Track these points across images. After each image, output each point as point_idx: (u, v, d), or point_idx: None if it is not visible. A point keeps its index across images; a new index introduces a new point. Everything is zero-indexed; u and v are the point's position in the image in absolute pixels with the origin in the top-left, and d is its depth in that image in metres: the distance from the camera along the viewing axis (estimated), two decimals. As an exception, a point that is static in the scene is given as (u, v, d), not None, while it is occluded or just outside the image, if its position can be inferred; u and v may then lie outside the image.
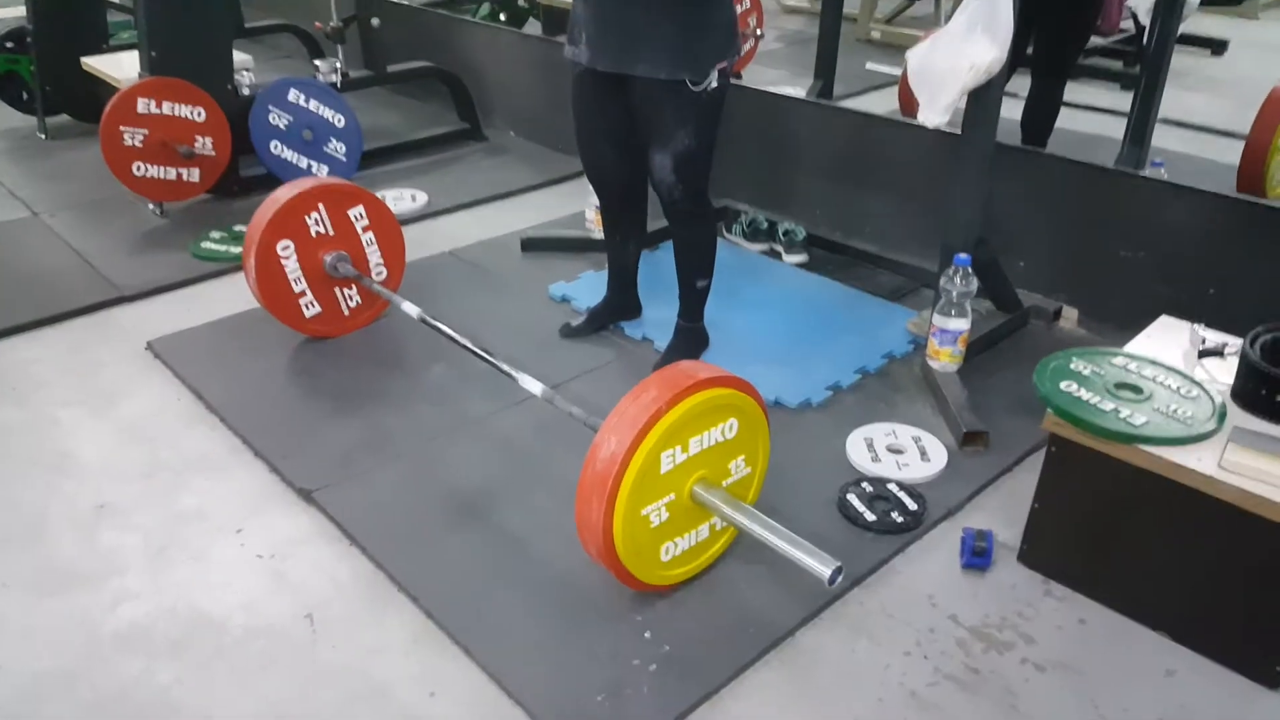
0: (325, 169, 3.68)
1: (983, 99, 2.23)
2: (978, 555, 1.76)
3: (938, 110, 2.18)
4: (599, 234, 3.07)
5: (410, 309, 2.29)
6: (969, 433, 2.09)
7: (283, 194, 2.46)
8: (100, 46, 4.19)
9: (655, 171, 2.18)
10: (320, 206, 2.49)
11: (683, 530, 1.66)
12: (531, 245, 3.13)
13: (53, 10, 4.10)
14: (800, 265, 3.02)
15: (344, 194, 2.53)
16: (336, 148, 3.69)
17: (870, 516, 1.87)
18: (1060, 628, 1.65)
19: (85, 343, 2.65)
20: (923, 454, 2.07)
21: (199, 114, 3.40)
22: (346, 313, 2.63)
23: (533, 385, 1.94)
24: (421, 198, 3.57)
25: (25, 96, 4.34)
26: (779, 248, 3.08)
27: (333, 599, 1.74)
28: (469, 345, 2.11)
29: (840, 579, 1.45)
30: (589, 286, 2.85)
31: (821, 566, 1.44)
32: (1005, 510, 1.94)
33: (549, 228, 3.30)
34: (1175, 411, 1.58)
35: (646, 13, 2.02)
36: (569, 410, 1.85)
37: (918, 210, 2.96)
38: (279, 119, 3.55)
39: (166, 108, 3.33)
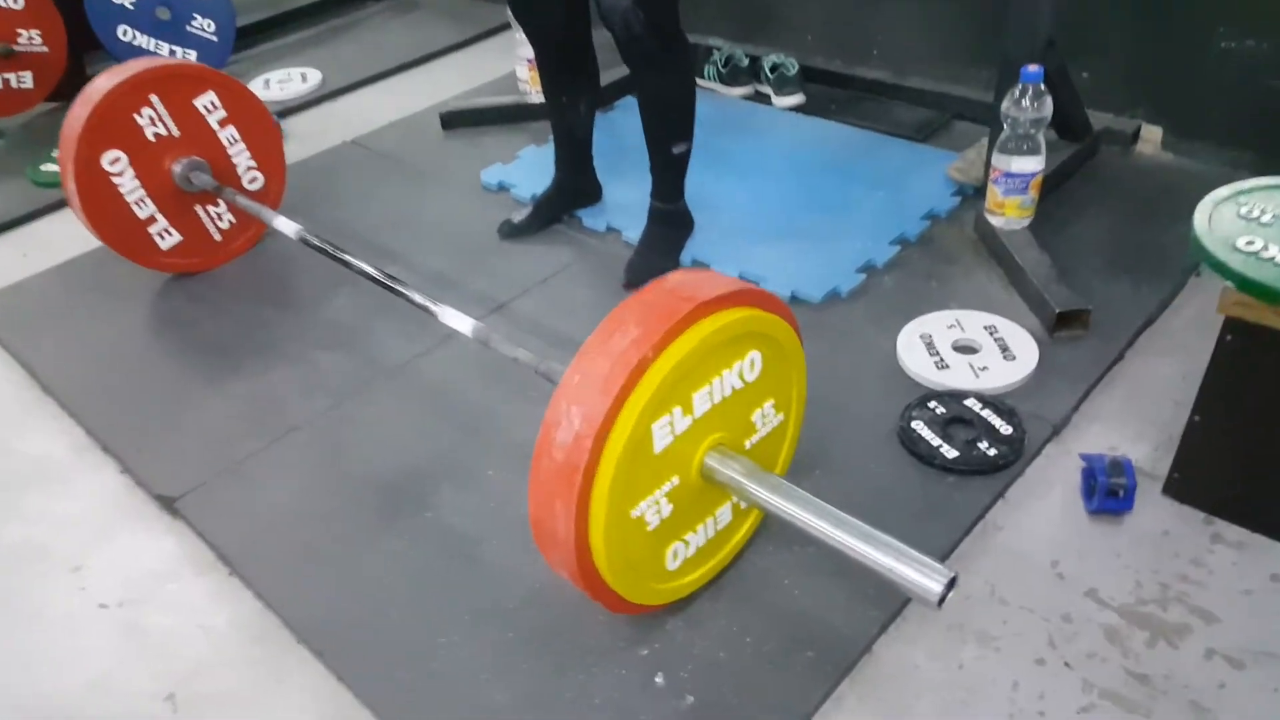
0: (193, 54, 2.94)
1: None
2: (1114, 497, 1.24)
3: None
4: (537, 97, 2.42)
5: (286, 226, 1.67)
6: (1064, 313, 1.54)
7: (99, 87, 1.80)
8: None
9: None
10: (153, 99, 1.83)
11: (694, 521, 1.12)
12: (454, 120, 2.47)
13: None
14: (795, 108, 2.38)
15: (183, 78, 1.87)
16: (203, 25, 2.95)
17: (950, 451, 1.34)
18: (1248, 592, 1.15)
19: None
20: (1003, 349, 1.52)
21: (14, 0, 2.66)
22: (218, 237, 2.01)
23: (459, 320, 1.36)
24: (314, 76, 2.86)
25: None
26: (766, 89, 2.43)
27: (204, 664, 1.22)
28: (368, 269, 1.51)
29: (953, 592, 0.92)
30: (531, 167, 2.22)
31: (927, 580, 0.91)
32: (1128, 417, 1.42)
33: (474, 96, 2.62)
34: None
35: None
36: (513, 355, 1.28)
37: (942, 16, 2.30)
38: (123, -5, 2.81)
39: (-34, -3, 2.59)
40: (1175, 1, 1.97)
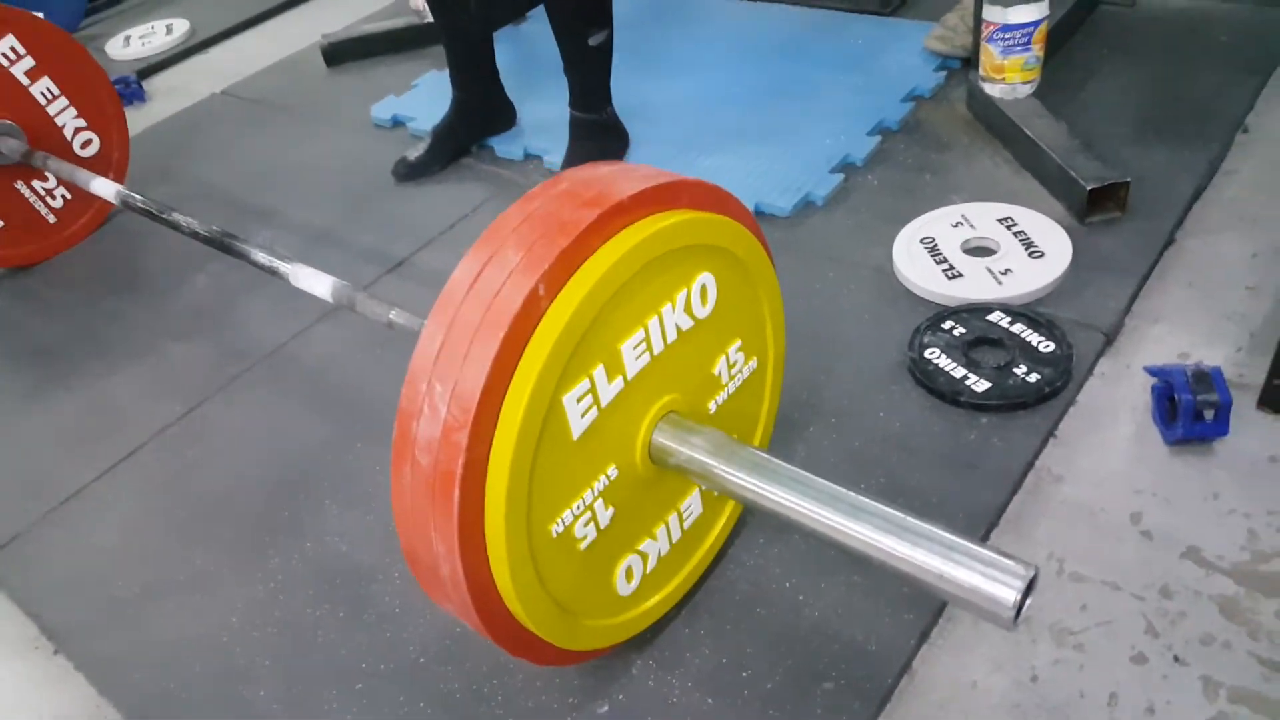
0: (40, 14, 2.51)
1: None
2: (1202, 420, 0.93)
3: None
4: (426, 7, 2.04)
5: (104, 188, 1.31)
6: (1098, 190, 1.22)
7: None
8: None
9: None
10: (-75, 49, 1.45)
11: (650, 524, 0.80)
12: (338, 54, 2.09)
13: None
14: (740, -4, 2.02)
15: (-36, 19, 1.48)
16: (44, -20, 2.51)
17: (979, 383, 1.03)
18: (1405, 529, 0.86)
19: None
20: (1027, 246, 1.20)
21: None
22: (51, 219, 1.64)
23: (315, 281, 1.02)
24: (181, 27, 2.45)
25: None
26: (703, -21, 2.06)
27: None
28: (197, 228, 1.16)
29: (1030, 599, 0.61)
30: (431, 95, 1.85)
31: (996, 587, 0.60)
32: (1195, 313, 1.11)
33: (363, 25, 2.23)
34: None
35: None
36: (386, 319, 0.94)
37: None
38: (-62, -49, 2.37)
39: None
40: None
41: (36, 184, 1.60)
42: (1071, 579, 0.87)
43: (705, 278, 0.75)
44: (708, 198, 0.74)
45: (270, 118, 1.97)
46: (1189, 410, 0.93)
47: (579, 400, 0.67)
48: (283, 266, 1.05)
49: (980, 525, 0.92)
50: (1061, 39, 1.63)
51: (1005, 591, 0.60)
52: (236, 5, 2.53)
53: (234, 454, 1.17)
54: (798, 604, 0.87)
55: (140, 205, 1.23)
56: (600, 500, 0.72)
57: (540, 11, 2.06)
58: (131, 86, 2.16)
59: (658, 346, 0.72)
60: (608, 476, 0.72)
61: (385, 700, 0.87)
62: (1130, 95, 1.50)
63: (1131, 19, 1.71)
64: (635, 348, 0.70)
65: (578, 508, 0.71)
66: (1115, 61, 1.59)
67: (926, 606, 0.85)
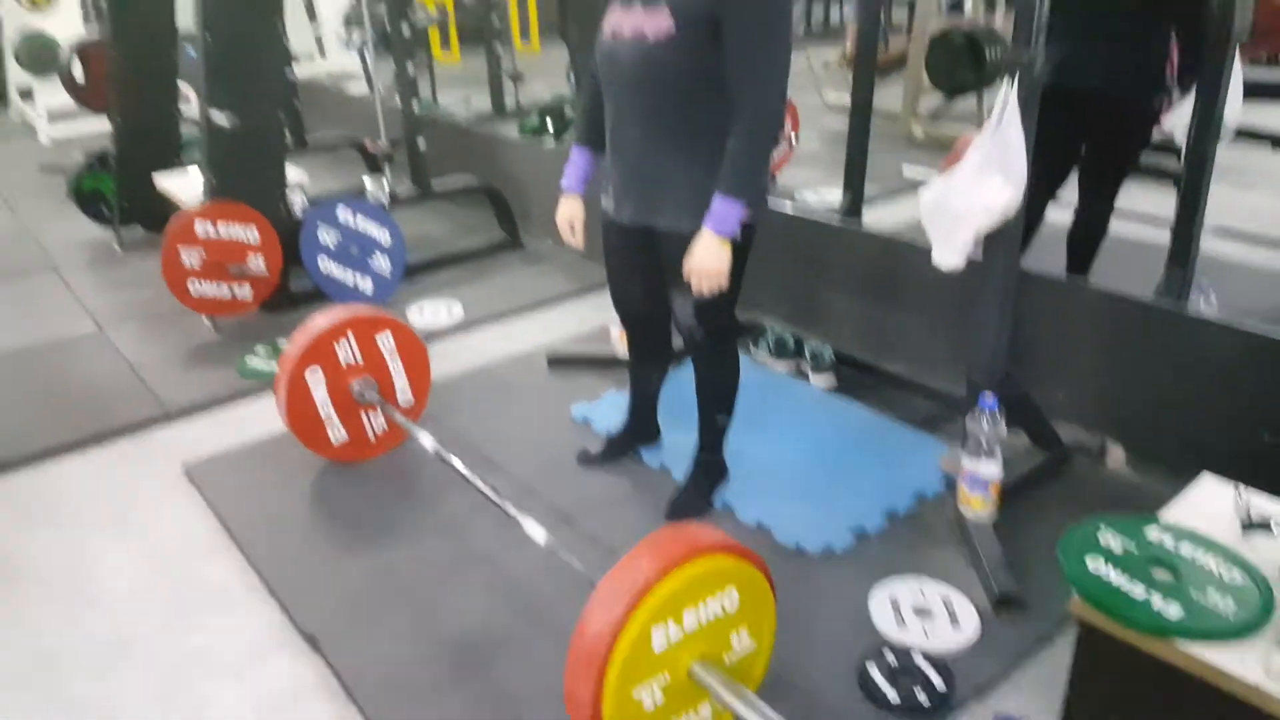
0: (370, 282, 3.76)
1: (1000, 238, 2.16)
2: (1007, 746, 1.61)
3: (952, 251, 2.12)
4: (623, 352, 3.07)
5: (427, 442, 2.28)
6: (1002, 598, 1.95)
7: (316, 324, 2.49)
8: (173, 160, 4.45)
9: (677, 313, 2.17)
10: (349, 334, 2.52)
11: (680, 711, 1.56)
12: (557, 362, 3.13)
13: (133, 131, 4.39)
14: (828, 388, 2.93)
15: (373, 322, 2.56)
16: (381, 264, 3.77)
17: (894, 697, 1.74)
18: (1099, 839, 1.49)
19: (125, 464, 2.71)
20: (952, 618, 1.93)
21: (252, 234, 3.53)
22: (372, 439, 2.64)
23: (537, 532, 1.90)
24: (457, 311, 3.62)
25: (106, 212, 4.61)
26: (806, 368, 3.01)
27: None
28: (477, 482, 2.08)
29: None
30: (611, 407, 2.81)
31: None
32: (1043, 690, 1.79)
33: (576, 343, 3.30)
34: (1215, 600, 1.45)
35: (670, 162, 2.00)
36: (571, 562, 1.79)
37: (950, 333, 2.87)
38: (328, 236, 3.65)
39: (222, 229, 3.47)
40: (1131, 356, 2.47)
41: (371, 415, 2.62)
42: (903, 813, 1.54)
43: (733, 590, 1.55)
44: (742, 553, 1.56)
45: (507, 395, 2.98)
46: (998, 738, 1.62)
47: (661, 633, 1.47)
48: (520, 518, 1.93)
49: (864, 771, 1.61)
50: (1035, 482, 2.41)
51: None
52: (496, 301, 3.69)
53: (457, 614, 2.01)
54: (748, 782, 1.58)
55: (444, 456, 2.18)
56: (658, 688, 1.50)
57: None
58: (423, 350, 3.27)
59: (703, 619, 1.52)
60: (664, 678, 1.50)
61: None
62: (1058, 535, 2.23)
63: (1093, 477, 2.47)
64: (691, 615, 1.50)
65: (646, 687, 1.48)
66: (1063, 508, 2.32)
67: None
